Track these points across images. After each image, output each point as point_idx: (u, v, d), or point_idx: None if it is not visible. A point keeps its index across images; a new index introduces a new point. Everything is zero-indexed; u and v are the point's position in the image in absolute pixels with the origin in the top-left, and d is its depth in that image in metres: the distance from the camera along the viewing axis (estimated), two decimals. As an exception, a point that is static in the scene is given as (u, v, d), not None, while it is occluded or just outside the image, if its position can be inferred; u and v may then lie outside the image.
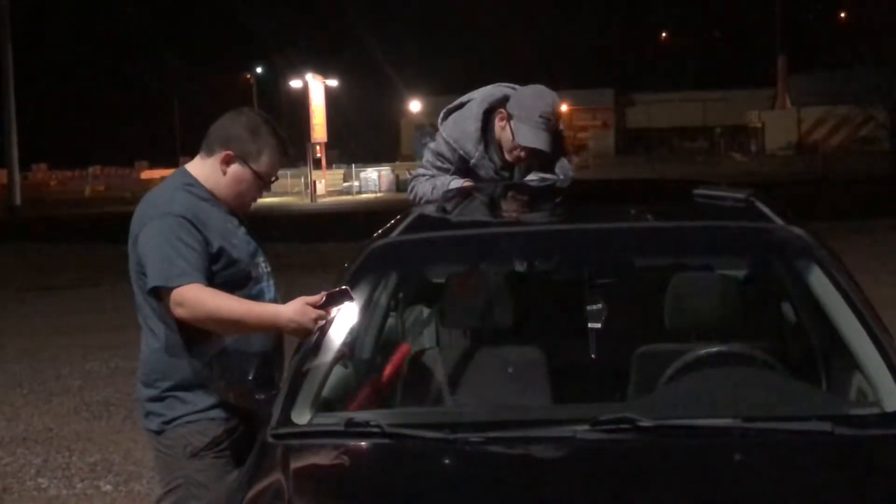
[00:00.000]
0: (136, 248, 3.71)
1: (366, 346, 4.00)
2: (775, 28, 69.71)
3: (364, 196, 50.21)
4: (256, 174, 3.83)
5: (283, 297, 3.93)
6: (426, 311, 4.59)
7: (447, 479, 3.04)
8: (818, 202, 23.92)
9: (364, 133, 75.22)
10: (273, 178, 3.94)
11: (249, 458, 3.29)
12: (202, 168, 3.85)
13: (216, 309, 3.59)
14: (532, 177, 5.03)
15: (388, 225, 4.35)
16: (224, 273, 3.73)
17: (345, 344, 3.69)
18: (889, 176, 39.21)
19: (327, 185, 53.10)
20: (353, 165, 56.28)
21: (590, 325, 4.47)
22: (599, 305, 4.49)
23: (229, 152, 3.80)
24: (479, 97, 5.10)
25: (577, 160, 41.91)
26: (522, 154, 4.97)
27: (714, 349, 3.73)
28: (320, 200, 48.03)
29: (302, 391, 3.41)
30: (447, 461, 3.09)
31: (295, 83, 56.79)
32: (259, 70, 78.52)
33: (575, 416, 3.22)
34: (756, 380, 3.57)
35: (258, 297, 3.82)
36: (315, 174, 50.99)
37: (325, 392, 3.50)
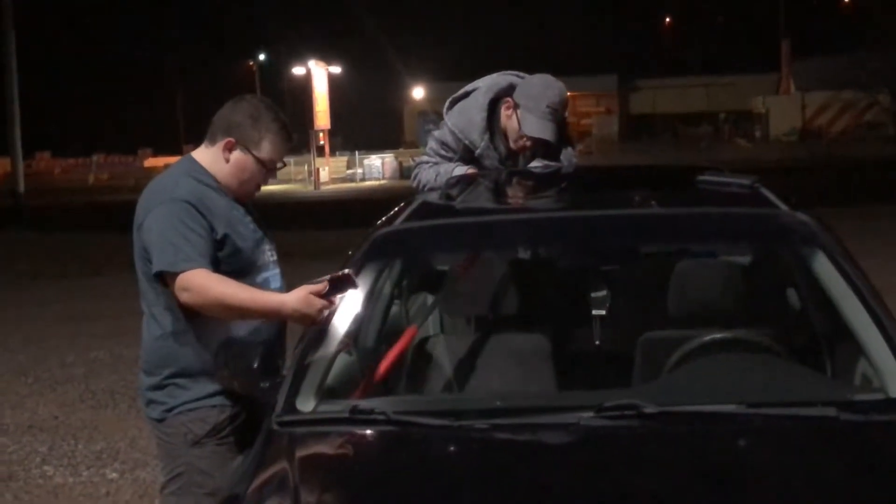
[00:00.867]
0: (142, 233, 3.71)
1: (370, 333, 4.00)
2: (779, 13, 69.55)
3: (367, 183, 50.19)
4: (259, 161, 3.83)
5: (287, 284, 3.93)
6: (430, 299, 4.59)
7: (452, 467, 3.04)
8: (823, 188, 23.88)
9: (367, 120, 75.14)
10: (280, 165, 3.93)
11: (254, 446, 3.30)
12: (206, 156, 3.85)
13: (221, 295, 3.60)
14: (536, 164, 5.02)
15: (392, 212, 4.34)
16: (229, 261, 3.74)
17: (349, 332, 3.69)
18: (894, 161, 39.16)
19: (331, 173, 53.06)
20: (357, 153, 56.23)
21: (594, 311, 4.48)
22: (604, 292, 4.49)
23: (231, 139, 3.80)
24: (485, 86, 5.09)
25: (580, 146, 41.83)
26: (528, 143, 4.96)
27: (719, 336, 3.73)
28: (324, 188, 48.01)
29: (306, 379, 3.41)
30: (452, 448, 3.09)
31: (298, 70, 56.70)
32: (262, 57, 78.45)
33: (579, 402, 3.22)
34: (761, 366, 3.57)
35: (264, 285, 3.82)
36: (318, 161, 50.97)
37: (330, 380, 3.51)
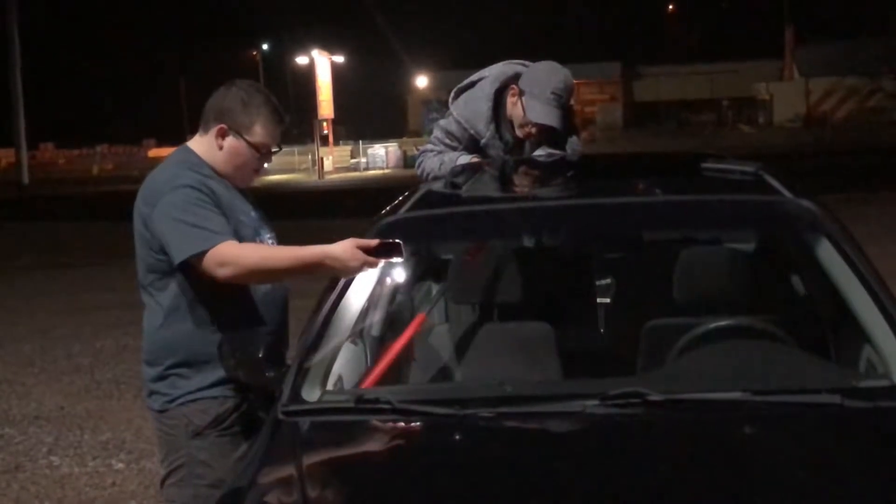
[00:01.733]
0: (152, 225, 3.67)
1: (375, 322, 4.00)
2: (783, -1, 69.42)
3: (372, 172, 50.21)
4: (252, 145, 3.81)
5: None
6: (435, 288, 4.60)
7: (457, 455, 3.05)
8: (827, 174, 23.84)
9: (371, 109, 75.09)
10: (274, 150, 3.91)
11: (260, 435, 3.30)
12: (201, 145, 3.84)
13: (261, 260, 3.58)
14: (540, 152, 5.02)
15: (397, 201, 4.34)
16: None
17: (354, 320, 3.69)
18: (897, 147, 39.09)
19: (335, 162, 53.08)
20: (361, 142, 56.24)
21: (599, 299, 4.48)
22: (608, 280, 4.49)
23: (223, 126, 3.79)
24: (491, 76, 5.08)
25: (584, 134, 41.78)
26: (533, 130, 4.96)
27: (723, 323, 3.73)
28: (328, 177, 48.02)
29: (312, 368, 3.42)
30: (457, 437, 3.10)
31: (301, 60, 56.73)
32: (265, 47, 78.46)
33: (584, 390, 3.23)
34: (765, 353, 3.57)
35: None
36: (322, 151, 50.98)
37: (335, 369, 3.51)
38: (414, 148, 32.22)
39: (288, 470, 2.98)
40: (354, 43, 70.68)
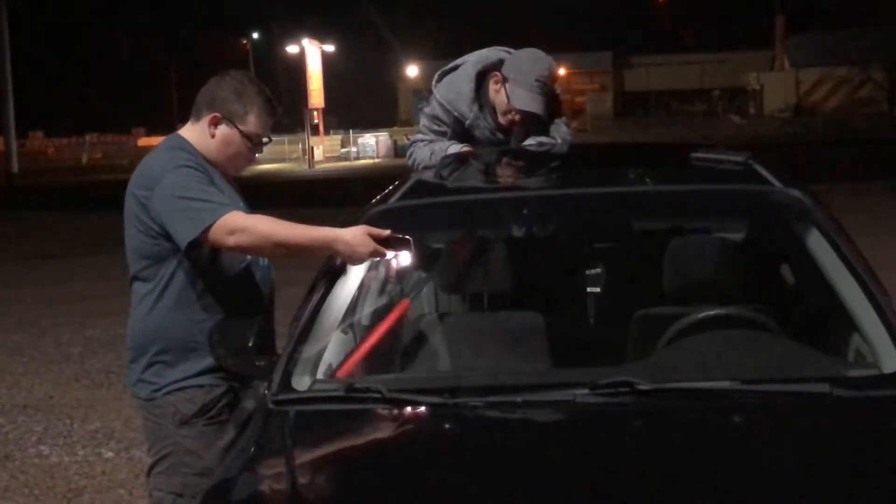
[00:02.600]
0: (151, 208, 3.65)
1: (366, 312, 4.00)
2: (773, -11, 69.44)
3: (362, 162, 50.18)
4: (244, 134, 3.81)
5: (283, 262, 3.93)
6: (425, 277, 4.60)
7: (447, 444, 3.05)
8: (816, 164, 23.88)
9: (362, 99, 75.03)
10: (265, 140, 3.91)
11: (250, 424, 3.30)
12: (193, 133, 3.84)
13: (271, 232, 3.57)
14: (530, 141, 5.02)
15: (387, 191, 4.34)
16: None
17: (345, 310, 3.69)
18: (887, 137, 39.15)
19: (325, 151, 53.05)
20: (351, 131, 56.21)
21: (589, 289, 4.49)
22: (598, 270, 4.50)
23: (216, 114, 3.79)
24: (474, 59, 5.09)
25: (575, 124, 41.80)
26: (517, 118, 4.95)
27: (713, 312, 3.73)
28: (318, 166, 47.98)
29: (302, 357, 3.42)
30: (447, 426, 3.10)
31: (291, 49, 56.61)
32: (255, 36, 78.22)
33: (574, 379, 3.23)
34: (754, 342, 3.57)
35: (251, 265, 3.82)
36: (313, 140, 50.95)
37: (326, 358, 3.51)
38: (404, 137, 32.23)
39: (278, 459, 2.98)
40: (345, 32, 70.60)
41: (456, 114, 5.01)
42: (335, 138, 57.84)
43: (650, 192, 4.17)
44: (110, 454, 6.92)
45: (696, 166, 4.26)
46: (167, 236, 3.64)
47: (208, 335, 3.57)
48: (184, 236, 3.58)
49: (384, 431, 3.18)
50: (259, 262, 3.87)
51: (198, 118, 3.83)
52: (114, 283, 12.73)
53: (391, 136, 54.16)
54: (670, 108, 77.37)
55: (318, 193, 28.00)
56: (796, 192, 3.90)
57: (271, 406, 3.25)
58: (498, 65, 5.01)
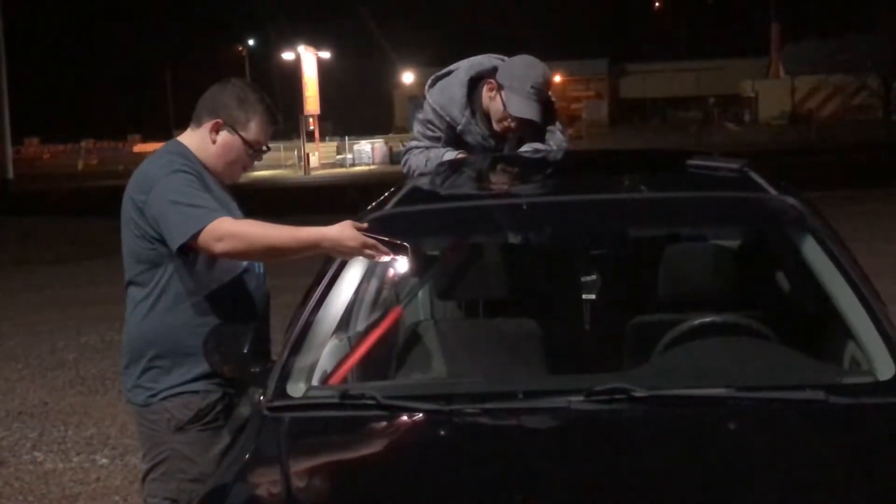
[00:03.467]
0: (147, 212, 3.66)
1: (360, 318, 4.00)
2: (769, -4, 69.57)
3: (358, 168, 50.19)
4: (245, 142, 3.83)
5: (278, 268, 3.93)
6: (421, 284, 4.60)
7: (442, 451, 3.05)
8: (812, 171, 23.91)
9: (357, 105, 75.01)
10: (264, 148, 3.92)
11: (245, 431, 3.30)
12: (193, 139, 3.85)
13: (260, 237, 3.57)
14: (526, 148, 5.02)
15: (383, 197, 4.34)
16: None
17: (340, 317, 3.69)
18: (882, 144, 39.21)
19: (321, 158, 53.01)
20: (347, 138, 56.17)
21: (584, 296, 4.49)
22: (594, 276, 4.50)
23: (218, 120, 3.80)
24: (467, 65, 5.10)
25: (570, 131, 41.80)
26: (513, 124, 4.95)
27: (708, 319, 3.74)
28: (314, 173, 47.96)
29: (297, 364, 3.42)
30: (442, 433, 3.10)
31: (287, 55, 56.58)
32: (251, 42, 78.24)
33: (569, 386, 3.23)
34: (750, 349, 3.58)
35: (244, 273, 3.82)
36: (308, 147, 50.94)
37: (321, 364, 3.51)
38: (400, 144, 32.24)
39: (273, 466, 2.98)
40: (341, 39, 70.64)
41: (448, 118, 5.01)
42: (331, 145, 57.81)
43: (646, 199, 4.18)
44: (105, 460, 6.91)
45: (692, 173, 4.26)
46: (163, 240, 3.65)
47: (204, 341, 3.57)
48: (174, 239, 3.59)
49: (379, 438, 3.18)
50: (254, 269, 3.88)
51: (198, 124, 3.84)
52: (109, 289, 12.75)
53: (387, 142, 54.14)
54: (666, 115, 77.46)
55: (314, 200, 27.98)
56: (792, 200, 3.90)
57: (266, 413, 3.24)
58: (491, 72, 5.01)
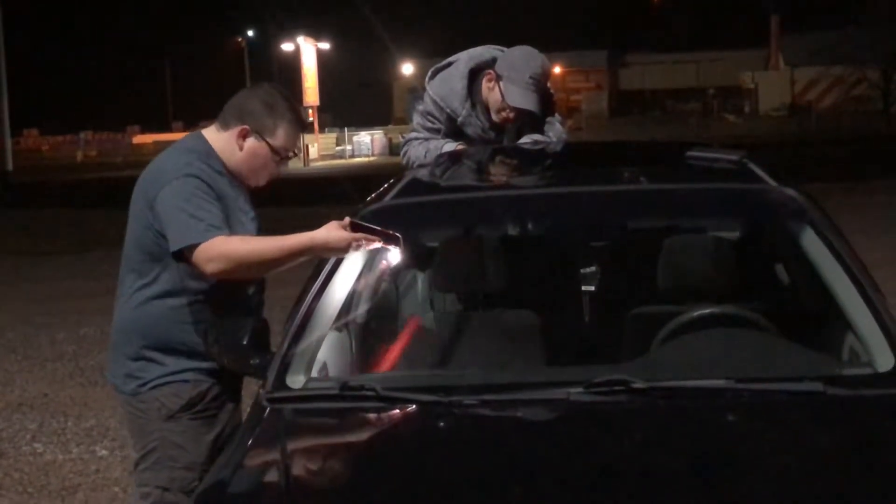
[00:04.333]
0: (155, 207, 3.65)
1: (360, 310, 4.00)
2: (768, -12, 69.48)
3: (357, 160, 50.18)
4: (273, 149, 3.79)
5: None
6: (420, 276, 4.60)
7: (442, 442, 3.05)
8: (811, 163, 23.90)
9: (357, 96, 75.03)
10: (291, 155, 3.90)
11: (244, 422, 3.30)
12: (219, 140, 3.80)
13: (248, 255, 3.56)
14: (525, 140, 5.02)
15: (382, 189, 4.34)
16: None
17: (339, 308, 3.69)
18: (882, 136, 39.20)
19: (320, 149, 52.98)
20: (346, 129, 56.18)
21: (584, 287, 4.49)
22: (593, 268, 4.50)
23: (245, 126, 3.76)
24: (467, 56, 5.10)
25: (570, 122, 41.87)
26: (511, 115, 4.95)
27: (707, 311, 3.74)
28: (313, 164, 47.93)
29: (296, 355, 3.42)
30: (442, 424, 3.10)
31: (287, 46, 56.58)
32: (250, 34, 78.11)
33: (569, 378, 3.23)
34: (749, 341, 3.58)
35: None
36: (308, 138, 50.84)
37: (320, 356, 3.51)
38: (399, 135, 32.24)
39: (272, 457, 2.98)
40: (340, 30, 70.55)
41: (448, 110, 5.02)
42: (330, 136, 57.78)
43: (645, 190, 4.18)
44: (104, 452, 6.91)
45: (692, 165, 4.26)
46: (166, 237, 3.65)
47: (203, 333, 3.57)
48: (172, 242, 3.60)
49: (378, 429, 3.18)
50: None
51: (226, 127, 3.79)
52: (108, 281, 12.68)
53: (386, 134, 54.16)
54: (665, 106, 77.44)
55: (313, 191, 27.94)
56: (791, 192, 3.90)
57: (266, 404, 3.25)
58: (491, 63, 5.01)
